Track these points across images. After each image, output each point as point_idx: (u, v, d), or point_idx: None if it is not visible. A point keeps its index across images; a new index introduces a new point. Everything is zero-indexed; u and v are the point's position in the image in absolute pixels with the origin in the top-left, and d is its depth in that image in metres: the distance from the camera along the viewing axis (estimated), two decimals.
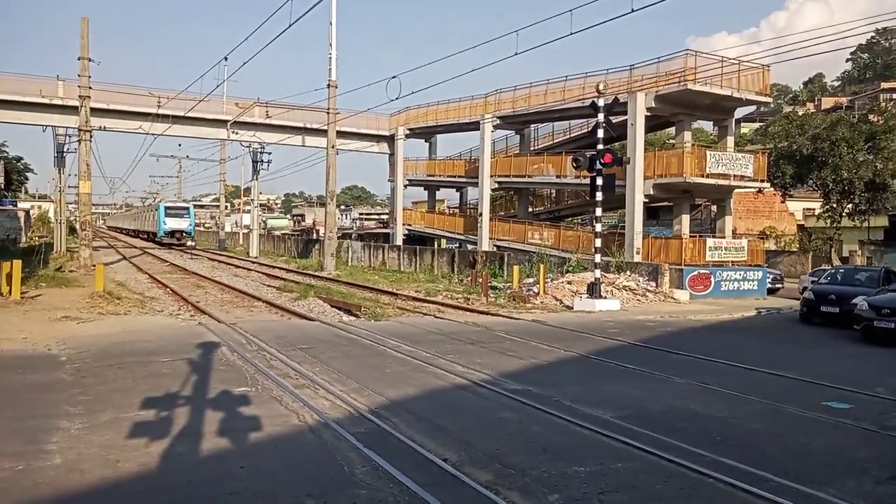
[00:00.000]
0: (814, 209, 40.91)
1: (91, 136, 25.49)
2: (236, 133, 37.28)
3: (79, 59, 24.04)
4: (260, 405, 7.15)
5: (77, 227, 40.99)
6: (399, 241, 39.75)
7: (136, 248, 48.35)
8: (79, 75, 24.36)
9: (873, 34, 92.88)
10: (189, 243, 50.32)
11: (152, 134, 34.41)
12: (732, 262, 24.15)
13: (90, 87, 24.76)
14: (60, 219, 40.79)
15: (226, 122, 35.70)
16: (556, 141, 36.08)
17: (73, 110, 28.73)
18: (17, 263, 16.04)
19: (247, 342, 11.06)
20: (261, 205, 59.52)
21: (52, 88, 32.90)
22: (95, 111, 28.19)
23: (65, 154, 38.83)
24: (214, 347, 10.49)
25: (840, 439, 6.70)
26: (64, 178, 41.11)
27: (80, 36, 23.91)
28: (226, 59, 27.04)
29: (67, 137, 37.22)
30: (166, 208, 53.55)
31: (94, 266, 20.67)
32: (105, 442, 5.81)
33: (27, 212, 62.68)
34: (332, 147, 28.80)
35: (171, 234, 52.46)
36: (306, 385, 8.14)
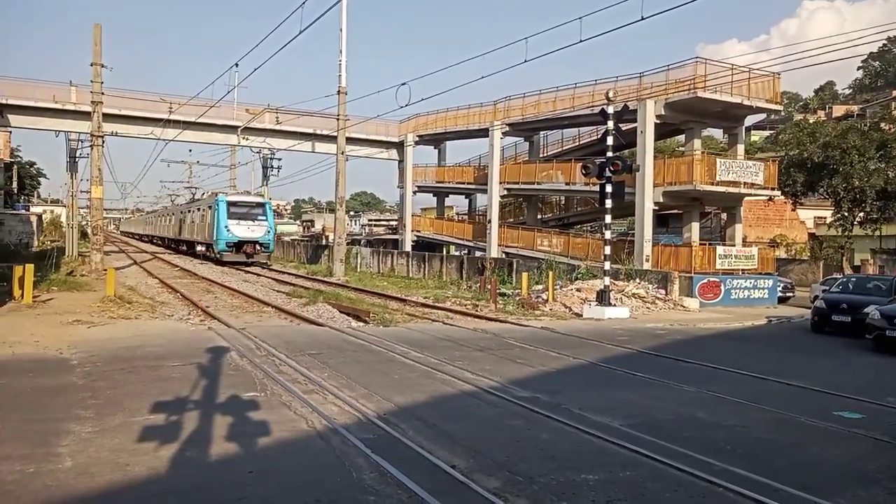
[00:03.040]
0: (825, 217, 40.65)
1: (103, 142, 25.73)
2: (247, 139, 37.55)
3: (91, 65, 24.27)
4: (269, 410, 7.17)
5: (89, 231, 41.34)
6: (408, 248, 39.83)
7: (146, 252, 48.18)
8: (91, 81, 24.60)
9: (885, 42, 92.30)
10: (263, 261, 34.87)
11: (163, 139, 34.72)
12: (743, 270, 24.04)
13: (102, 93, 24.99)
14: (72, 223, 41.13)
15: (236, 128, 35.96)
16: (565, 148, 36.12)
17: (86, 116, 29.03)
18: (30, 267, 16.18)
19: (256, 347, 11.10)
20: None
21: (65, 94, 33.28)
22: (107, 117, 28.47)
23: (77, 159, 39.23)
24: (224, 352, 10.53)
25: (851, 449, 6.65)
26: (76, 182, 41.50)
27: (92, 42, 24.15)
28: (237, 65, 27.29)
29: (80, 143, 37.62)
30: (230, 205, 34.30)
31: (105, 270, 20.81)
32: (115, 446, 5.84)
33: (39, 216, 63.24)
34: (342, 153, 28.92)
35: (239, 247, 33.80)
36: (315, 390, 8.16)
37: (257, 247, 34.32)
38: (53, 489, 4.87)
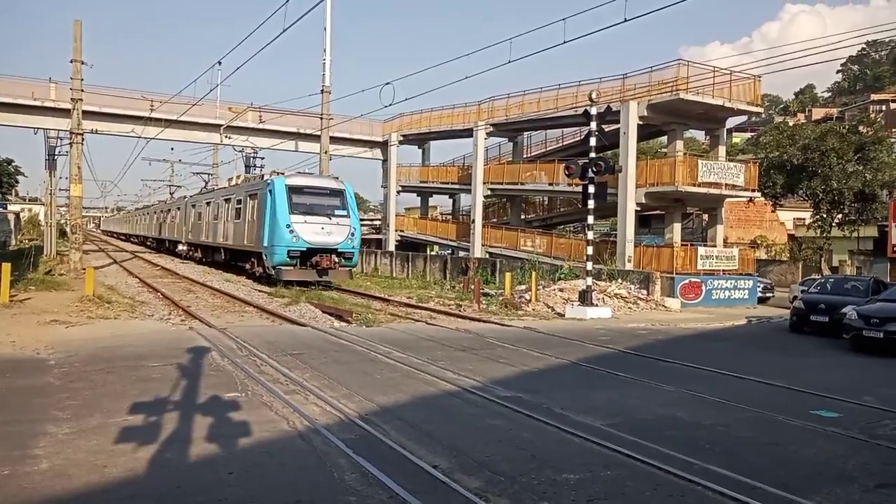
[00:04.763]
0: (804, 219, 41.19)
1: (83, 140, 25.38)
2: (229, 137, 37.23)
3: (71, 61, 23.95)
4: (250, 411, 7.12)
5: (67, 230, 40.74)
6: (391, 247, 39.78)
7: (126, 251, 47.54)
8: (71, 78, 24.27)
9: (863, 46, 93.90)
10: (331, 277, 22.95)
11: (145, 137, 34.33)
12: (723, 270, 24.28)
13: (82, 90, 24.66)
14: (51, 222, 40.61)
15: (219, 126, 35.64)
16: (548, 149, 36.25)
17: (65, 113, 28.66)
18: (6, 266, 15.91)
19: (237, 347, 11.02)
20: None
21: (44, 91, 32.80)
22: (87, 114, 28.09)
23: (56, 157, 38.71)
24: (205, 352, 10.44)
25: (828, 448, 6.74)
26: (55, 181, 40.99)
27: (72, 39, 23.83)
28: (219, 63, 26.96)
29: (59, 140, 37.11)
30: (292, 191, 22.67)
31: (83, 270, 20.54)
32: (93, 447, 5.76)
33: (17, 214, 62.41)
34: (326, 152, 28.80)
35: (307, 257, 22.26)
36: (297, 391, 8.12)
37: (334, 258, 22.50)
38: (29, 491, 4.80)
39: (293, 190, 22.68)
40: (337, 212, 22.98)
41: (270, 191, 22.76)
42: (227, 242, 28.37)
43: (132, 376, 8.61)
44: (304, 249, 22.07)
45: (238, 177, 32.34)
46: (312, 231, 22.25)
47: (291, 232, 21.92)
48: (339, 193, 23.68)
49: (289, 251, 21.94)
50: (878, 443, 6.90)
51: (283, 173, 24.84)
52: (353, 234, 23.12)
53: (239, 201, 26.69)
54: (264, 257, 23.10)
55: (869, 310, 14.29)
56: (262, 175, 26.52)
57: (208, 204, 32.23)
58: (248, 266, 25.67)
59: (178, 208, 39.47)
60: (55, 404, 7.16)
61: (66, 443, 5.87)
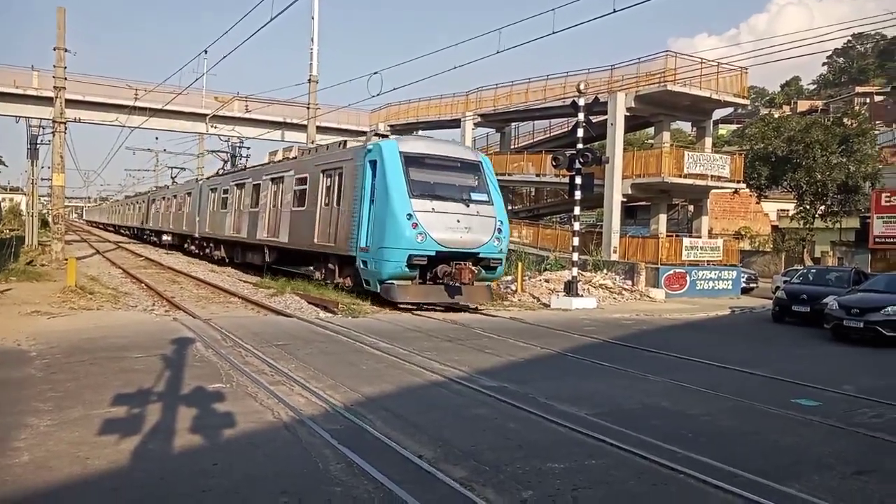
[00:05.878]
0: (788, 210, 41.56)
1: (66, 128, 25.07)
2: (215, 127, 36.92)
3: (54, 49, 23.62)
4: (234, 402, 7.09)
5: (49, 220, 40.23)
6: None
7: (109, 241, 47.06)
8: (54, 66, 23.95)
9: (849, 39, 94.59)
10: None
11: (129, 127, 33.97)
12: (708, 261, 24.49)
13: (66, 78, 24.35)
14: (32, 212, 40.15)
15: (204, 115, 35.37)
16: (536, 139, 36.27)
17: (48, 101, 28.30)
18: None
19: (222, 338, 10.95)
20: None
21: (27, 79, 32.40)
22: (71, 102, 27.74)
23: (38, 146, 38.25)
24: (189, 343, 10.38)
25: (808, 436, 6.83)
26: (37, 170, 40.50)
27: (56, 26, 23.50)
28: (205, 52, 26.87)
29: (41, 129, 36.65)
30: (410, 162, 15.06)
31: (66, 260, 20.33)
32: (75, 439, 5.71)
33: None
34: (312, 142, 28.65)
35: (432, 265, 15.00)
36: (282, 381, 8.09)
37: (472, 266, 15.31)
38: (10, 484, 4.75)
39: (410, 161, 15.29)
40: (474, 195, 15.82)
41: (372, 161, 15.51)
42: (277, 239, 20.61)
43: (115, 368, 8.54)
44: (433, 254, 14.93)
45: (291, 148, 22.55)
46: (444, 225, 14.98)
47: (415, 226, 14.61)
48: (474, 167, 16.44)
49: (411, 257, 14.71)
50: (856, 430, 7.01)
51: (387, 135, 17.60)
52: (500, 231, 15.84)
53: (302, 180, 19.13)
54: (362, 265, 15.74)
55: (850, 300, 14.48)
56: (342, 142, 18.36)
57: (240, 186, 24.50)
58: (317, 274, 18.62)
59: (188, 193, 32.78)
60: (36, 396, 7.08)
61: (48, 435, 5.81)
